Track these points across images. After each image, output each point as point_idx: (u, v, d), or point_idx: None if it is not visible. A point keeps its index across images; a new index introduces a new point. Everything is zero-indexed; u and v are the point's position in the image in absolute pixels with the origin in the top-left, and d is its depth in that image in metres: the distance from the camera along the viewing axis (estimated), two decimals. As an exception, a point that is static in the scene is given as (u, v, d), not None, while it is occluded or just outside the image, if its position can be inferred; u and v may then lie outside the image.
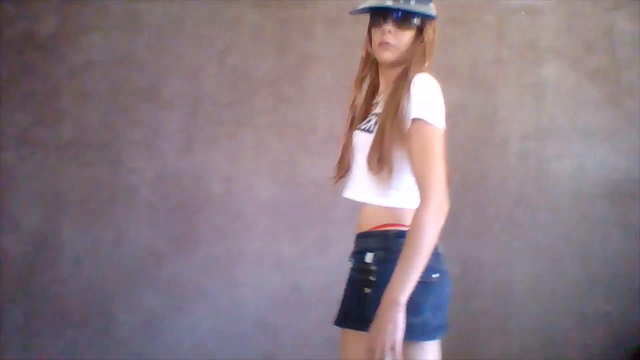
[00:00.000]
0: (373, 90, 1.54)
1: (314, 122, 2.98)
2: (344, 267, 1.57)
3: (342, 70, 2.75)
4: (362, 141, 1.43)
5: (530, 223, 2.91)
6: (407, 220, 1.32)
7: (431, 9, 1.43)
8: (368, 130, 1.42)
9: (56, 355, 2.92)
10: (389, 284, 1.26)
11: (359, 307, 1.38)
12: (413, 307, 1.26)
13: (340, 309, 1.52)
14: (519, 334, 2.87)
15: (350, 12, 1.52)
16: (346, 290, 1.52)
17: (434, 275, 1.33)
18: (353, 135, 1.49)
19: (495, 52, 3.00)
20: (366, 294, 1.37)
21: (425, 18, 1.42)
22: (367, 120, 1.47)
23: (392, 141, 1.34)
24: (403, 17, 1.39)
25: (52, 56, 3.08)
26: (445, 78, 2.92)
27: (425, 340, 1.33)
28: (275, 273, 2.93)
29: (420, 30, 1.42)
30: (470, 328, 2.87)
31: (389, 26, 1.39)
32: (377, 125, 1.39)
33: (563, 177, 2.93)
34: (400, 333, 1.23)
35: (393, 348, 1.22)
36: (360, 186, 1.44)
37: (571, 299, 2.87)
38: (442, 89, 1.39)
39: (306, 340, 2.88)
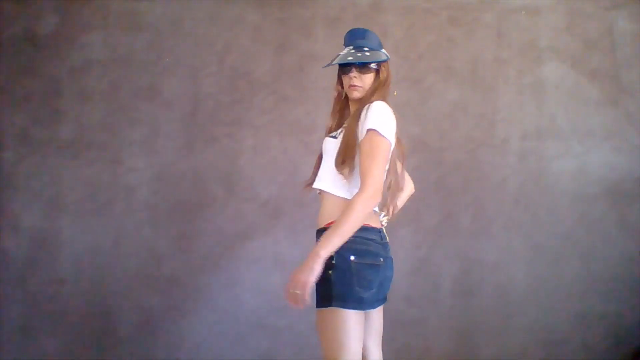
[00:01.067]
0: (343, 114, 1.92)
1: (314, 121, 2.98)
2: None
3: (342, 70, 2.75)
4: (330, 145, 1.78)
5: (530, 223, 2.91)
6: None
7: (382, 55, 1.83)
8: (334, 137, 1.79)
9: (56, 355, 2.92)
10: (317, 242, 1.60)
11: (322, 286, 1.63)
12: (365, 283, 1.64)
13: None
14: (519, 334, 2.87)
15: (323, 67, 1.92)
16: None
17: (381, 259, 1.70)
18: (323, 142, 1.84)
19: (495, 52, 3.00)
20: (330, 275, 1.62)
21: (380, 62, 1.82)
22: (337, 131, 1.82)
23: (353, 147, 1.70)
24: (364, 65, 1.81)
25: (52, 56, 3.08)
26: (445, 78, 2.99)
27: (369, 309, 1.70)
28: (275, 273, 2.93)
29: (377, 71, 1.83)
30: (470, 327, 2.87)
31: (354, 73, 1.81)
32: (342, 134, 1.75)
33: (563, 177, 2.93)
34: (313, 278, 1.54)
35: (304, 286, 1.53)
36: (327, 181, 1.77)
37: (571, 299, 2.87)
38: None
39: (306, 340, 2.88)
